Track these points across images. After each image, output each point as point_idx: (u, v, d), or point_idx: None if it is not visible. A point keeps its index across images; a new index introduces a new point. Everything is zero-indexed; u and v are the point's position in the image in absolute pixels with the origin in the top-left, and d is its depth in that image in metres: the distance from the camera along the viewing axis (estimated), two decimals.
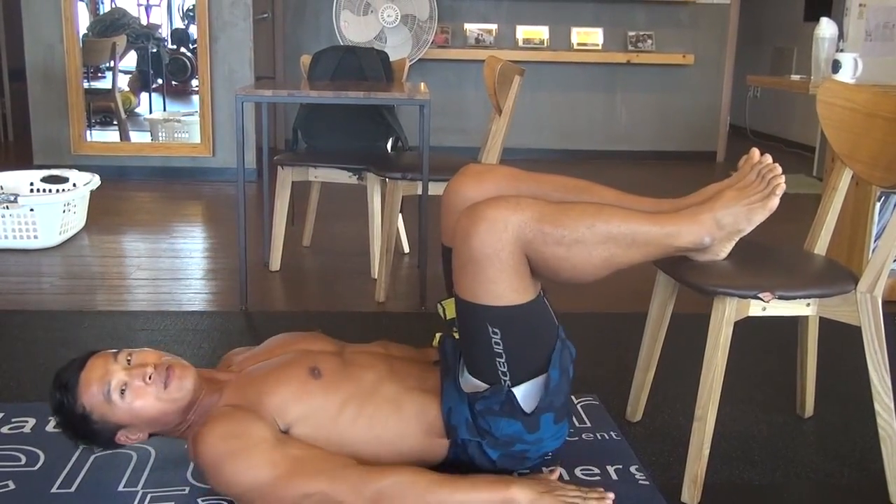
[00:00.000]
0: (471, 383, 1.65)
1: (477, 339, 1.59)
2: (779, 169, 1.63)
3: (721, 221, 1.62)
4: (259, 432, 1.53)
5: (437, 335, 1.82)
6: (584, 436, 1.96)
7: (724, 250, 1.68)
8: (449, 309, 1.74)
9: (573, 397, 2.16)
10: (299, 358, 1.69)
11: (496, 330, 1.55)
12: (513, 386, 1.60)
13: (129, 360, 1.60)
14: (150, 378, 1.58)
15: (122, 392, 1.56)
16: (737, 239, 1.67)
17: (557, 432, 1.67)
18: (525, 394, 1.61)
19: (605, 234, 1.55)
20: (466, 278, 1.55)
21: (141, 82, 6.68)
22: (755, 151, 1.67)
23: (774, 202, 1.61)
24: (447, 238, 1.76)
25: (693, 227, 1.62)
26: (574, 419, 2.04)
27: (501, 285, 1.53)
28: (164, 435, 1.68)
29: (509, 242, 1.51)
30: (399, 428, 1.64)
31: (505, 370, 1.59)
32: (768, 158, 1.65)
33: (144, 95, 6.68)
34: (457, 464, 1.68)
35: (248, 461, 1.50)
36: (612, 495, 1.62)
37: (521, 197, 1.57)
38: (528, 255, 1.53)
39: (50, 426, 1.91)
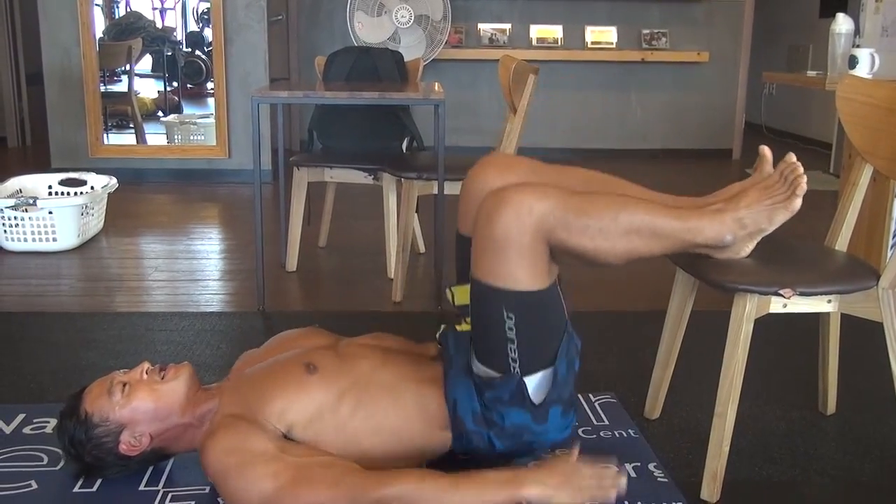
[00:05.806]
0: (482, 370, 1.64)
1: (490, 324, 1.58)
2: (800, 169, 1.62)
3: (743, 221, 1.63)
4: (260, 445, 1.54)
5: (442, 326, 1.80)
6: (601, 433, 1.96)
7: (746, 249, 1.68)
8: (458, 295, 1.73)
9: (591, 395, 2.15)
10: (294, 356, 1.71)
11: (511, 315, 1.55)
12: (522, 376, 1.59)
13: (123, 373, 1.70)
14: (147, 372, 1.69)
15: (123, 388, 1.64)
16: (759, 238, 1.67)
17: (564, 424, 1.66)
18: (534, 385, 1.60)
19: (628, 226, 1.55)
20: (486, 261, 1.55)
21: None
22: (767, 151, 1.67)
23: (797, 203, 1.61)
24: (464, 226, 1.75)
25: (715, 224, 1.61)
26: (592, 417, 2.04)
27: (520, 270, 1.53)
28: (169, 449, 1.70)
29: (532, 228, 1.50)
30: (399, 418, 1.64)
31: (515, 357, 1.58)
32: (791, 157, 1.64)
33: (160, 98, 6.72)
34: (461, 453, 1.67)
35: (252, 474, 1.51)
36: (624, 477, 1.56)
37: (547, 185, 1.56)
38: (550, 243, 1.53)
39: None
